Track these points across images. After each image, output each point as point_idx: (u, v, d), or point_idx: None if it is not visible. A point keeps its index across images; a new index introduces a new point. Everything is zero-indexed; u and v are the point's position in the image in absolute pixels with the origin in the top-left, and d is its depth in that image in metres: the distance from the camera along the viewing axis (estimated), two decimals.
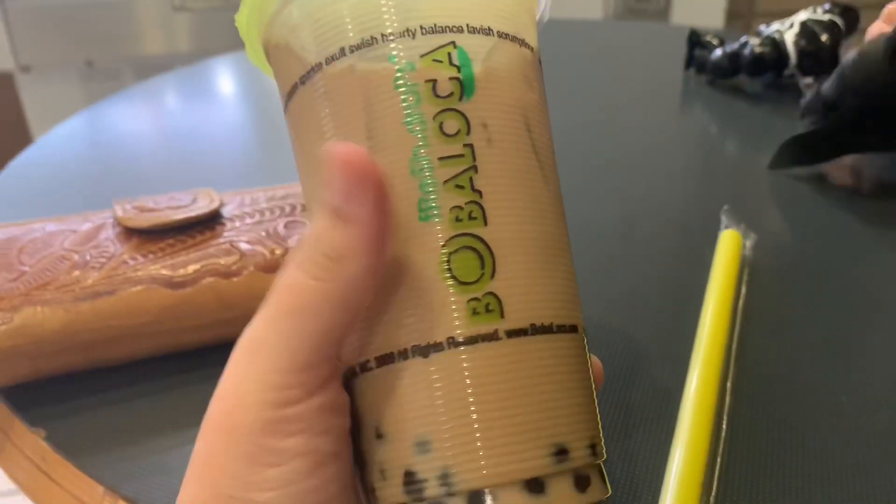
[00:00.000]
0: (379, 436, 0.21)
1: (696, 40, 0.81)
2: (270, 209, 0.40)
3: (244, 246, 0.37)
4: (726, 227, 0.47)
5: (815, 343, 0.38)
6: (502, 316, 0.21)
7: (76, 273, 0.35)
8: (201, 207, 0.38)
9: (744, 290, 0.42)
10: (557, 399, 0.21)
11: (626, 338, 0.39)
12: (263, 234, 0.38)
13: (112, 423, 0.33)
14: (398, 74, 0.22)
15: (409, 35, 0.22)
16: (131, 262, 0.35)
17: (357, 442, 0.22)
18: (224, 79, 0.87)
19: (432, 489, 0.20)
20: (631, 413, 0.34)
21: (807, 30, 0.70)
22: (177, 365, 0.36)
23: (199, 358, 0.36)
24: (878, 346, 0.38)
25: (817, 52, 0.70)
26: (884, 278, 0.44)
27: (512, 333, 0.21)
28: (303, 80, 0.23)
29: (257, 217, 0.39)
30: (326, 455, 0.20)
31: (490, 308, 0.21)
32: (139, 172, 0.59)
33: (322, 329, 0.20)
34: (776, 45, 0.72)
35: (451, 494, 0.20)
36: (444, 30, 0.22)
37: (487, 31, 0.23)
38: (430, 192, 0.21)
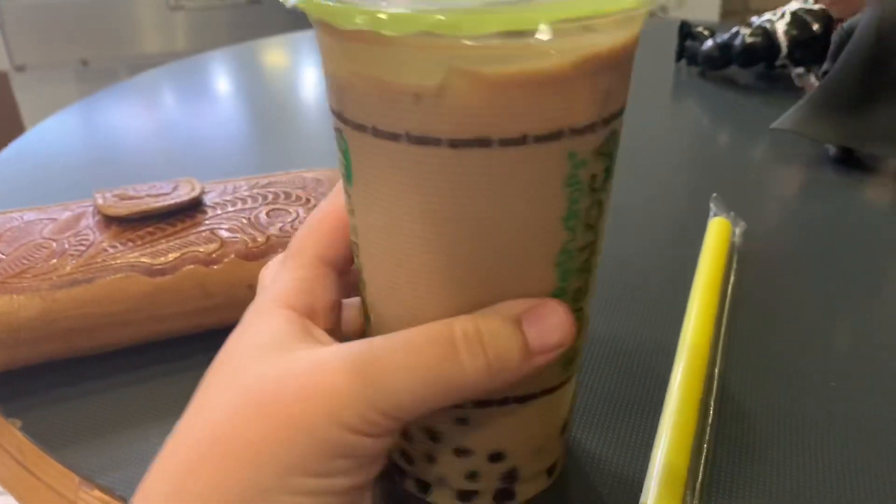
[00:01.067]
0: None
1: (686, 31, 0.80)
2: (252, 197, 0.39)
3: (224, 234, 0.36)
4: (715, 215, 0.47)
5: (803, 330, 0.38)
6: (574, 365, 0.26)
7: (54, 261, 0.34)
8: (182, 195, 0.38)
9: (732, 277, 0.42)
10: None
11: (613, 326, 0.38)
12: (245, 221, 0.37)
13: (90, 414, 0.33)
14: (570, 172, 0.21)
15: (590, 130, 0.21)
16: (111, 251, 0.35)
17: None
18: (216, 74, 0.87)
19: None
20: (618, 401, 0.33)
21: (798, 19, 0.70)
22: (157, 354, 0.36)
23: (180, 347, 0.36)
24: (867, 332, 0.38)
25: (809, 42, 0.69)
26: (873, 265, 0.44)
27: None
28: (454, 143, 0.20)
29: (239, 205, 0.39)
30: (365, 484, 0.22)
31: (571, 361, 0.25)
32: (128, 165, 0.59)
33: (438, 399, 0.21)
34: (767, 34, 0.71)
35: None
36: (611, 118, 0.21)
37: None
38: (565, 281, 0.23)
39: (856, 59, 0.55)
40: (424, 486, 0.27)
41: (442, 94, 0.19)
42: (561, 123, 0.20)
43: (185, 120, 0.70)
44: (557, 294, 0.23)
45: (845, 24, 0.58)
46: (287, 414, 0.20)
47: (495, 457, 0.26)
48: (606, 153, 0.22)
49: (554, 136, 0.20)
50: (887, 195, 0.53)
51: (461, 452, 0.25)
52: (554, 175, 0.21)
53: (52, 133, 0.67)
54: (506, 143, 0.20)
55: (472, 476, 0.26)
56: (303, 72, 0.89)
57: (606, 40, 0.20)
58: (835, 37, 0.58)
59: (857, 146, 0.56)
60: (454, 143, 0.20)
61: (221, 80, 0.85)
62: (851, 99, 0.56)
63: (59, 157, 0.61)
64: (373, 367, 0.20)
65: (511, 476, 0.26)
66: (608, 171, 0.22)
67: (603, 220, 0.23)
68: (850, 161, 0.57)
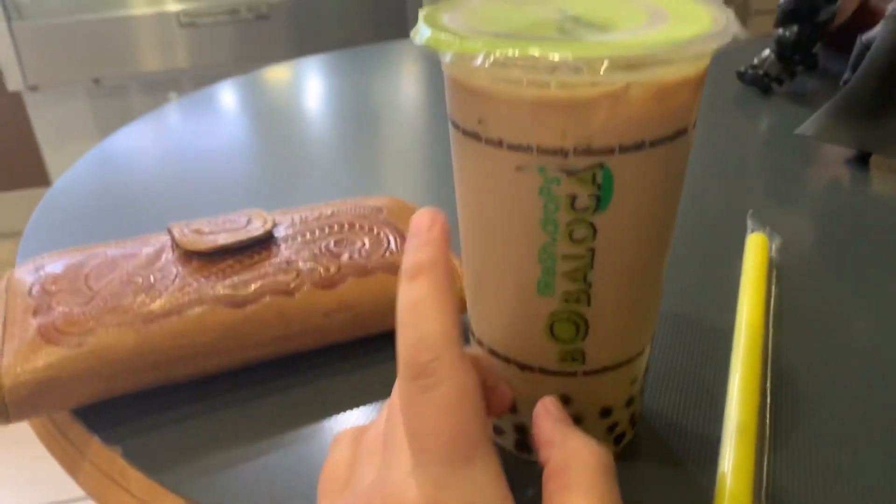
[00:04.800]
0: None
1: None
2: (321, 228, 0.41)
3: (300, 265, 0.38)
4: (752, 231, 0.49)
5: (847, 343, 0.40)
6: (583, 363, 0.30)
7: (142, 296, 0.36)
8: (256, 228, 0.40)
9: (773, 291, 0.44)
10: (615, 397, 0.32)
11: (668, 330, 0.40)
12: (317, 251, 0.39)
13: (184, 438, 0.35)
14: (543, 185, 0.26)
15: (561, 154, 0.25)
16: (194, 284, 0.37)
17: None
18: (234, 101, 0.89)
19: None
20: (671, 417, 0.35)
21: None
22: (241, 380, 0.38)
23: (261, 372, 0.38)
24: None
25: None
26: None
27: (588, 373, 0.30)
28: (475, 135, 0.27)
29: (308, 236, 0.41)
30: None
31: (575, 358, 0.30)
32: (167, 198, 0.61)
33: None
34: None
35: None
36: (595, 153, 0.25)
37: (639, 146, 0.25)
38: (550, 277, 0.28)
39: (874, 68, 0.58)
40: (498, 431, 0.34)
41: None
42: (531, 140, 0.25)
43: (216, 148, 0.72)
44: (542, 287, 0.28)
45: (864, 37, 0.60)
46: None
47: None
48: (590, 182, 0.25)
49: (525, 148, 0.25)
50: None
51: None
52: (529, 181, 0.26)
53: (81, 176, 0.69)
54: (490, 142, 0.26)
55: None
56: (317, 95, 0.91)
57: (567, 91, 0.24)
58: (855, 48, 0.61)
59: (874, 150, 0.59)
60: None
61: (243, 107, 0.87)
62: (869, 107, 0.58)
63: (94, 195, 0.63)
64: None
65: None
66: (599, 201, 0.26)
67: (604, 244, 0.27)
68: (868, 163, 0.60)
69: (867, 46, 0.59)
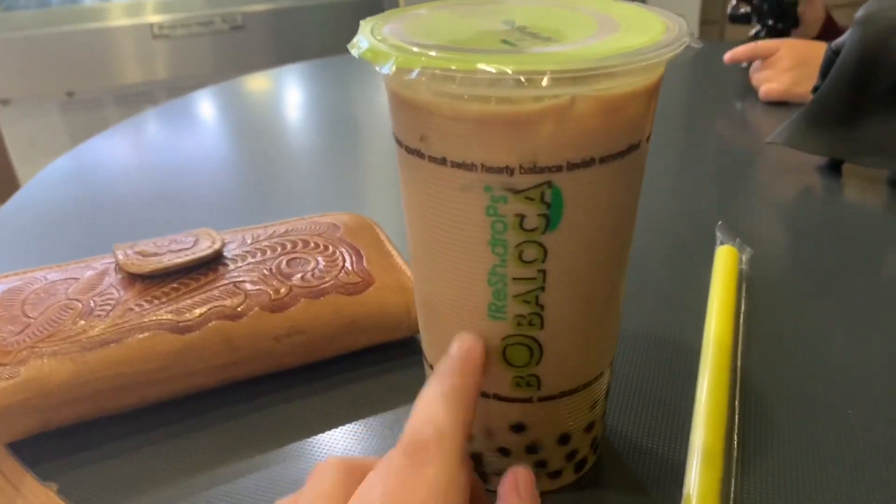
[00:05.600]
0: None
1: None
2: (272, 247, 0.40)
3: (248, 287, 0.37)
4: (722, 243, 0.48)
5: (820, 360, 0.39)
6: (539, 388, 0.28)
7: (82, 322, 0.35)
8: (204, 249, 0.38)
9: (743, 306, 0.43)
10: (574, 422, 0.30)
11: (633, 349, 0.39)
12: (267, 272, 0.38)
13: (123, 473, 0.33)
14: (490, 204, 0.24)
15: (507, 172, 0.24)
16: (136, 309, 0.35)
17: None
18: (209, 111, 0.87)
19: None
20: (636, 440, 0.34)
21: None
22: (187, 408, 0.36)
23: (208, 400, 0.36)
24: (880, 355, 0.39)
25: None
26: (881, 286, 0.45)
27: (544, 399, 0.29)
28: (418, 152, 0.25)
29: (259, 256, 0.39)
30: None
31: (530, 384, 0.28)
32: (130, 213, 0.59)
33: None
34: None
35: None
36: (542, 170, 0.24)
37: (588, 162, 0.24)
38: (501, 300, 0.26)
39: (843, 76, 0.57)
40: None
41: None
42: (475, 158, 0.24)
43: (182, 162, 0.70)
44: (494, 311, 0.26)
45: (833, 45, 0.59)
46: None
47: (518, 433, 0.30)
48: (538, 200, 0.24)
49: (469, 166, 0.24)
50: (878, 201, 0.55)
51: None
52: (475, 201, 0.24)
53: (48, 183, 0.67)
54: (433, 160, 0.25)
55: (504, 452, 0.30)
56: (293, 105, 0.89)
57: (510, 108, 0.23)
58: (824, 55, 0.60)
59: (845, 158, 0.58)
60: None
61: (217, 118, 0.86)
62: (839, 114, 0.58)
63: (58, 207, 0.61)
64: None
65: (540, 464, 0.30)
66: (548, 220, 0.24)
67: (555, 264, 0.25)
68: (840, 171, 0.59)
69: (836, 53, 0.58)
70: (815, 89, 0.60)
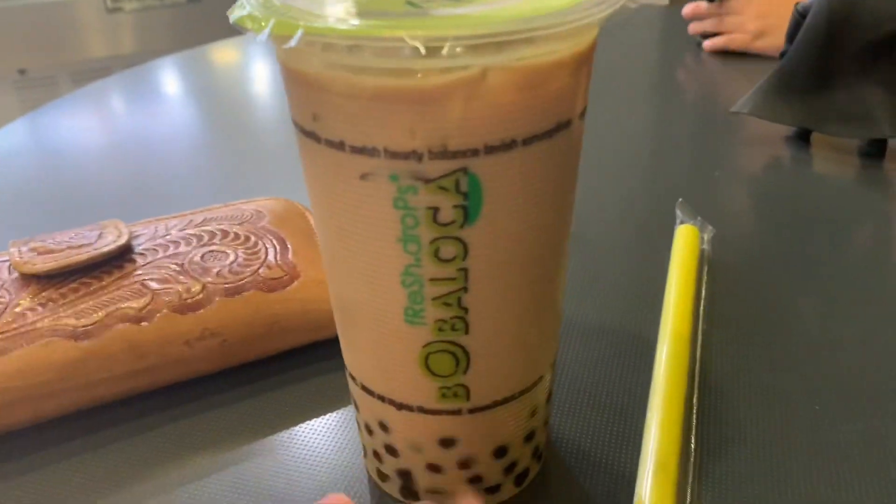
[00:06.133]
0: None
1: None
2: (186, 238, 0.36)
3: (154, 285, 0.33)
4: (682, 222, 0.44)
5: (783, 344, 0.36)
6: (468, 399, 0.25)
7: None
8: (107, 244, 0.34)
9: (704, 288, 0.40)
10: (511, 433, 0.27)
11: (583, 343, 0.36)
12: (176, 268, 0.34)
13: (18, 497, 0.30)
14: (397, 195, 0.21)
15: (414, 157, 0.20)
16: (29, 315, 0.32)
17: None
18: (160, 83, 0.83)
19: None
20: (584, 446, 0.31)
21: None
22: (88, 422, 0.32)
23: (112, 412, 0.33)
24: (851, 340, 0.36)
25: None
26: (853, 264, 0.42)
27: (475, 410, 0.26)
28: (314, 135, 0.22)
29: (171, 249, 0.35)
30: None
31: (458, 394, 0.25)
32: (56, 196, 0.55)
33: None
34: None
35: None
36: (454, 155, 0.20)
37: (509, 145, 0.20)
38: (418, 303, 0.23)
39: (810, 42, 0.54)
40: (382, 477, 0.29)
41: None
42: (376, 141, 0.20)
43: (121, 138, 0.66)
44: (410, 315, 0.23)
45: (799, 6, 0.56)
46: None
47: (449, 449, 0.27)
48: (452, 189, 0.21)
49: (370, 151, 0.20)
50: (849, 173, 0.52)
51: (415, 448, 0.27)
52: (381, 192, 0.21)
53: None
54: (330, 144, 0.21)
55: (434, 468, 0.27)
56: (247, 79, 0.85)
57: (404, 80, 0.19)
58: (791, 18, 0.57)
59: (814, 127, 0.55)
60: None
61: (164, 91, 0.81)
62: (807, 81, 0.55)
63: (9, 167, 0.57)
64: None
65: (476, 479, 0.27)
66: (466, 213, 0.21)
67: (478, 262, 0.22)
68: (809, 141, 0.56)
69: (803, 15, 0.55)
70: (783, 54, 0.57)
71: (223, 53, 0.93)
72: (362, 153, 0.21)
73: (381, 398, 0.26)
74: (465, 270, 0.22)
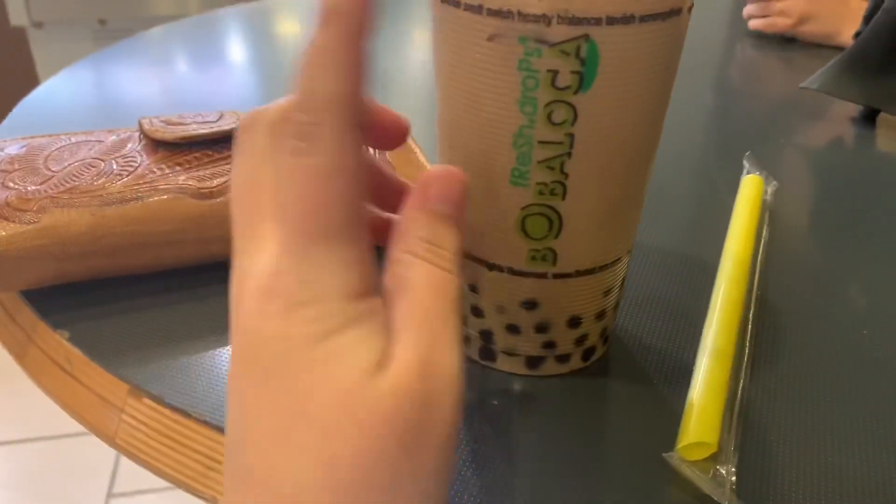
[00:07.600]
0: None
1: None
2: None
3: None
4: (748, 173, 0.47)
5: (835, 283, 0.38)
6: (554, 264, 0.28)
7: (102, 180, 0.35)
8: (228, 123, 0.38)
9: (765, 233, 0.42)
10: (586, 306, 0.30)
11: (646, 285, 0.39)
12: None
13: (136, 328, 0.33)
14: (523, 57, 0.24)
15: (543, 21, 0.23)
16: (157, 172, 0.35)
17: None
18: (234, 30, 0.87)
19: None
20: (647, 340, 0.34)
21: None
22: (198, 277, 0.36)
23: (221, 272, 0.36)
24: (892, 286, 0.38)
25: None
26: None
27: (558, 276, 0.29)
28: (453, 1, 0.25)
29: None
30: None
31: (546, 258, 0.28)
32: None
33: None
34: None
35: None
36: (580, 21, 0.23)
37: (628, 19, 0.23)
38: (525, 165, 0.26)
39: (886, 24, 0.55)
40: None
41: None
42: (511, 4, 0.23)
43: (208, 76, 0.70)
44: (516, 177, 0.26)
45: None
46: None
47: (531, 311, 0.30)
48: (573, 55, 0.24)
49: (505, 14, 0.23)
50: None
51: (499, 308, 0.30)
52: (510, 54, 0.24)
53: (69, 83, 0.67)
54: (468, 7, 0.24)
55: (513, 329, 0.30)
56: None
57: None
58: (870, 1, 0.58)
59: (881, 106, 0.57)
60: None
61: (241, 37, 0.85)
62: (879, 62, 0.56)
63: (79, 107, 0.61)
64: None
65: (549, 345, 0.31)
66: (582, 79, 0.24)
67: (584, 129, 0.25)
68: (875, 122, 0.58)
69: None
70: (857, 35, 0.58)
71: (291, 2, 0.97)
72: (497, 16, 0.24)
73: (474, 258, 0.29)
74: (571, 136, 0.25)
